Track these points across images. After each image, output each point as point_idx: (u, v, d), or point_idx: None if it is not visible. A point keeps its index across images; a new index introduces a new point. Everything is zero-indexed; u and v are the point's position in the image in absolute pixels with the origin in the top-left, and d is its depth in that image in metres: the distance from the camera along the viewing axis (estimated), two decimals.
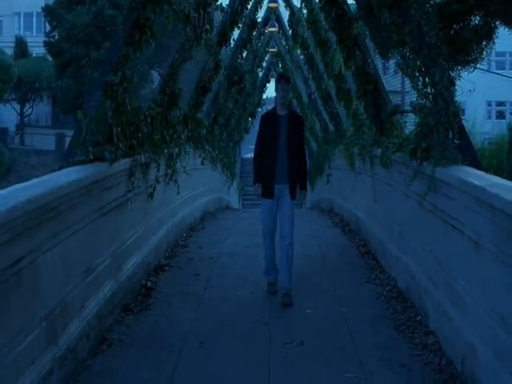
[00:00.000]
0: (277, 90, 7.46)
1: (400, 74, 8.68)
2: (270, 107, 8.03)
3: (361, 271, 8.86)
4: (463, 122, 8.44)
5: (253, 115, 25.55)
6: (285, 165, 7.33)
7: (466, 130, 7.62)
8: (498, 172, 27.34)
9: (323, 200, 18.69)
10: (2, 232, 3.86)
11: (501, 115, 46.83)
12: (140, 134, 7.76)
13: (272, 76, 28.48)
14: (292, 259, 7.40)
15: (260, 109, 28.93)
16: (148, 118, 8.32)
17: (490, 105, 46.69)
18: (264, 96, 30.93)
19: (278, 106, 7.51)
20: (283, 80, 7.53)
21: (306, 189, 7.58)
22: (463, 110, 35.58)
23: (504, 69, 42.13)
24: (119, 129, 6.96)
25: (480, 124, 35.94)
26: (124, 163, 6.90)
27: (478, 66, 8.64)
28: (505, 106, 47.35)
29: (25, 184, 4.76)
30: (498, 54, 38.41)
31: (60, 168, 6.14)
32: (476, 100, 40.05)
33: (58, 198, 4.75)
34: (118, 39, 7.36)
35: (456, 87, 6.85)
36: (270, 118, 7.55)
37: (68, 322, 5.10)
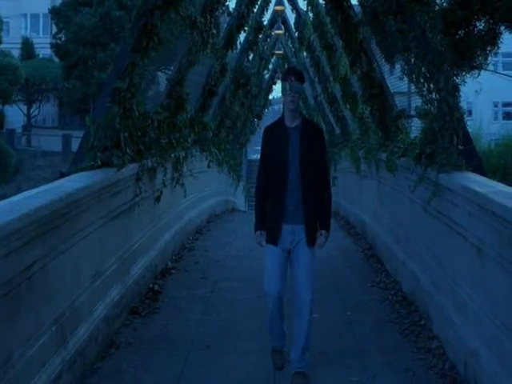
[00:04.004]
0: (284, 90, 5.23)
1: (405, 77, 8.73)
2: (276, 108, 5.90)
3: (366, 274, 8.92)
4: (470, 122, 8.45)
5: (259, 117, 25.58)
6: (298, 198, 5.17)
7: (471, 135, 7.66)
8: (505, 173, 27.34)
9: None
10: (15, 239, 3.93)
11: (507, 116, 46.80)
12: (147, 139, 7.84)
13: (278, 78, 28.48)
14: (310, 329, 5.36)
15: (266, 109, 28.91)
16: (155, 123, 8.40)
17: (496, 106, 46.69)
18: (270, 96, 30.87)
19: (286, 115, 5.30)
20: (293, 76, 5.20)
21: (328, 229, 5.34)
22: (470, 111, 35.62)
23: (511, 69, 42.06)
24: (127, 134, 7.04)
25: (487, 125, 35.92)
26: (131, 168, 6.98)
27: (483, 68, 8.68)
28: None
29: (35, 191, 4.85)
30: (505, 55, 38.38)
31: (68, 174, 6.24)
32: (483, 101, 40.05)
33: (67, 204, 4.83)
34: (126, 45, 7.43)
35: (461, 92, 6.92)
36: (275, 133, 5.33)
37: (77, 326, 5.19)
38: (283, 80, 5.27)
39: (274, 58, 26.50)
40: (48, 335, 4.57)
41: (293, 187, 5.15)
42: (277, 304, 5.35)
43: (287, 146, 5.19)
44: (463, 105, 6.89)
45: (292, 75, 5.22)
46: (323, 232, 5.30)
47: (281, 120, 5.35)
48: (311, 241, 5.25)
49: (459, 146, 6.42)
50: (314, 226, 5.27)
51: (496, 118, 45.70)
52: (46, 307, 4.60)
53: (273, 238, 5.26)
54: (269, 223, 5.32)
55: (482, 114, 37.33)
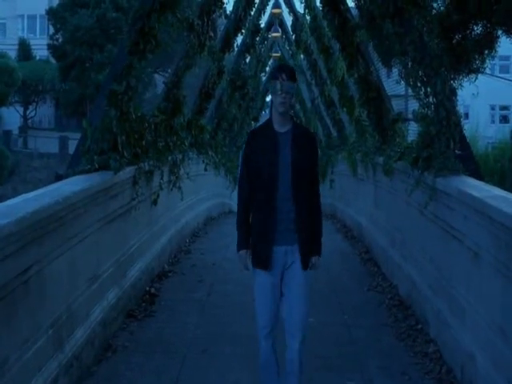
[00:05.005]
0: (274, 90, 4.51)
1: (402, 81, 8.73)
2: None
3: (363, 278, 8.92)
4: (467, 125, 8.45)
5: (256, 119, 25.61)
6: (290, 214, 4.48)
7: (468, 138, 7.67)
8: (502, 177, 27.40)
9: (326, 205, 18.75)
10: (11, 242, 3.92)
11: (504, 119, 46.86)
12: (144, 142, 7.84)
13: None
14: (302, 365, 4.69)
15: (263, 111, 28.89)
16: (152, 126, 8.40)
17: (493, 109, 46.74)
18: (267, 99, 30.85)
19: (275, 118, 4.60)
20: (284, 74, 4.50)
21: (319, 252, 4.68)
22: (467, 114, 35.61)
23: (508, 72, 42.13)
24: (124, 137, 7.04)
25: (483, 128, 35.99)
26: (128, 171, 6.98)
27: (480, 71, 8.69)
28: (508, 110, 47.40)
29: (32, 194, 4.84)
30: (502, 58, 38.43)
31: (66, 176, 6.24)
32: (480, 104, 40.07)
33: (64, 208, 4.82)
34: (123, 48, 7.43)
35: (458, 96, 6.93)
36: (262, 138, 4.60)
37: (73, 330, 5.18)
38: (273, 78, 4.55)
39: (271, 60, 26.53)
40: (44, 339, 4.56)
41: (283, 202, 4.46)
42: (270, 340, 4.74)
43: (277, 154, 4.49)
44: (460, 108, 6.90)
45: (283, 73, 4.51)
46: (315, 259, 4.63)
47: (269, 124, 4.63)
48: (306, 262, 4.57)
49: (456, 150, 6.43)
50: (309, 246, 4.59)
51: (493, 121, 45.78)
52: (43, 311, 4.59)
53: (263, 263, 4.53)
54: (257, 245, 4.58)
55: (479, 116, 37.39)
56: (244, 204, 4.65)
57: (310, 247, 4.59)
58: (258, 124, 25.15)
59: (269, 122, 4.64)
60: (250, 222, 4.63)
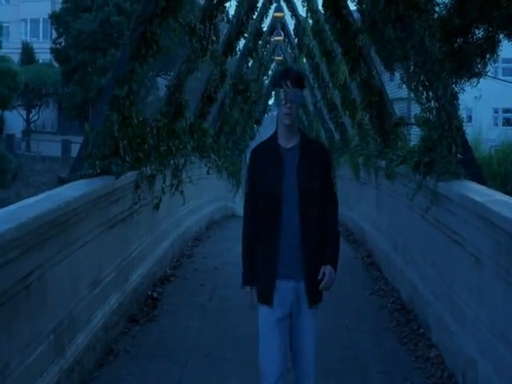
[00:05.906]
0: (278, 100, 3.96)
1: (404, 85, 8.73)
2: (275, 113, 4.01)
3: (365, 282, 8.91)
4: (470, 128, 8.47)
5: (258, 123, 25.62)
6: (295, 241, 3.94)
7: (471, 141, 7.67)
8: (505, 180, 27.39)
9: None
10: (12, 248, 3.93)
11: (507, 122, 46.74)
12: (146, 146, 7.84)
13: None
14: None
15: (266, 115, 28.80)
16: (154, 130, 8.40)
17: (496, 112, 46.61)
18: (270, 102, 30.79)
19: (280, 132, 4.06)
20: (289, 81, 3.93)
21: (335, 264, 4.03)
22: (470, 117, 35.57)
23: (511, 75, 42.03)
24: (125, 142, 7.04)
25: (486, 131, 35.92)
26: (130, 176, 6.98)
27: (482, 75, 8.68)
28: (511, 112, 47.25)
29: (33, 199, 4.85)
30: (505, 61, 38.36)
31: (68, 181, 6.25)
32: (482, 107, 40.02)
33: (65, 213, 4.83)
34: (125, 52, 7.44)
35: (460, 99, 6.92)
36: (266, 156, 4.08)
37: (75, 335, 5.18)
38: (276, 86, 3.98)
39: (274, 63, 26.53)
40: (46, 344, 4.56)
41: (289, 227, 3.92)
42: None
43: (281, 174, 3.94)
44: (462, 112, 6.90)
45: (287, 79, 3.93)
46: (327, 268, 3.97)
47: (273, 138, 4.08)
48: (315, 299, 4.06)
49: (458, 155, 6.42)
50: (316, 280, 3.96)
51: (496, 124, 45.67)
52: (44, 316, 4.60)
53: (266, 298, 4.02)
54: (260, 276, 4.06)
55: (481, 119, 37.31)
56: (249, 233, 4.13)
57: (318, 281, 3.97)
58: (261, 127, 25.10)
59: (274, 136, 4.10)
60: (254, 251, 4.10)
